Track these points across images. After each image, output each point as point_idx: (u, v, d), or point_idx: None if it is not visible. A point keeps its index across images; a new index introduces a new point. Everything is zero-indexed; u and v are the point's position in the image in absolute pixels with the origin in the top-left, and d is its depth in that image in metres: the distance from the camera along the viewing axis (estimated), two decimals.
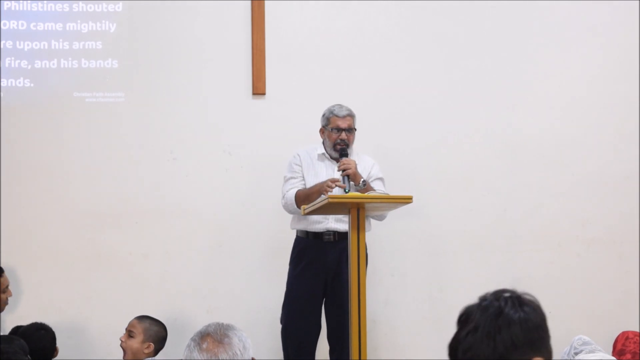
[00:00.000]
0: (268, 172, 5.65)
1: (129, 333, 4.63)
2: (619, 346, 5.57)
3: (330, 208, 4.57)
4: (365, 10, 5.91)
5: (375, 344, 5.66)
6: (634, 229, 5.93)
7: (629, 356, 5.45)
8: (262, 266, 5.70)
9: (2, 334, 4.93)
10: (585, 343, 4.76)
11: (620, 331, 5.66)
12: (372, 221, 5.13)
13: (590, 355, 4.58)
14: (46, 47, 5.68)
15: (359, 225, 4.49)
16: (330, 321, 5.14)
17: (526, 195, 5.93)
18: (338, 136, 5.04)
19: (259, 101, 5.81)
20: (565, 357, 4.84)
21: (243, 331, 2.35)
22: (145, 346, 4.59)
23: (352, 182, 4.81)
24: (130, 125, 5.74)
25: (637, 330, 5.63)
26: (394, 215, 5.29)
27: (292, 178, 5.11)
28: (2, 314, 5.14)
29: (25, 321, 4.97)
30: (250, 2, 5.79)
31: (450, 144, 5.92)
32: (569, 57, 6.03)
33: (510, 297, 1.84)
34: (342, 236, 4.99)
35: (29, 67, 5.66)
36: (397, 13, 5.94)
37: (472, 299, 1.89)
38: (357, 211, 4.50)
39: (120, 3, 5.74)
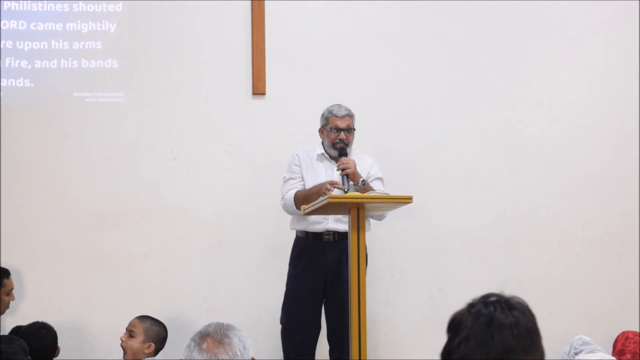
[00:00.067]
0: (268, 172, 5.65)
1: (130, 333, 4.62)
2: (619, 346, 5.57)
3: (330, 208, 4.57)
4: (365, 10, 5.91)
5: (375, 344, 5.67)
6: (634, 229, 5.93)
7: (629, 356, 5.45)
8: (262, 266, 5.70)
9: (2, 334, 4.93)
10: (585, 343, 4.77)
11: (620, 331, 5.66)
12: (372, 221, 5.13)
13: (590, 355, 4.58)
14: (46, 47, 5.68)
15: (359, 225, 4.49)
16: (330, 321, 5.14)
17: (526, 195, 5.93)
18: (337, 136, 5.05)
19: (259, 101, 5.82)
20: (565, 357, 4.84)
21: (243, 331, 2.34)
22: (146, 346, 4.59)
23: (351, 182, 4.82)
24: (130, 125, 5.74)
25: (637, 330, 5.63)
26: (394, 215, 5.29)
27: (291, 179, 5.11)
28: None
29: (25, 321, 4.97)
30: (250, 2, 5.79)
31: (450, 144, 5.92)
32: (569, 57, 6.03)
33: (498, 301, 1.84)
34: (341, 236, 4.99)
35: (29, 67, 5.66)
36: (397, 13, 5.94)
37: (472, 299, 1.89)
38: (357, 211, 4.50)
39: (120, 3, 5.74)
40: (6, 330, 5.08)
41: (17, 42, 5.66)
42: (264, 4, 5.79)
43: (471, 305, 1.85)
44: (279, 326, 5.18)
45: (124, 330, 4.68)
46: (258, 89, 5.79)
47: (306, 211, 4.61)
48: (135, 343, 4.59)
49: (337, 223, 5.01)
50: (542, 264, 5.89)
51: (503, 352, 1.77)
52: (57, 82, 5.67)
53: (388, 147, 5.82)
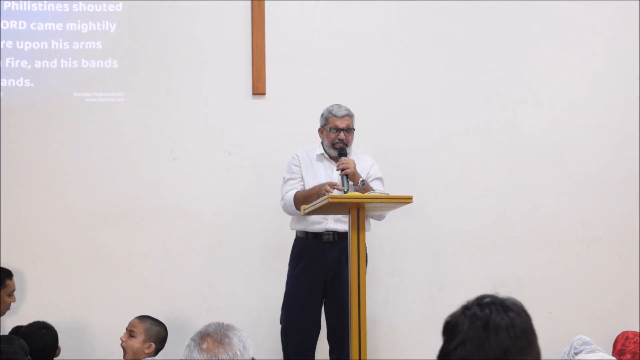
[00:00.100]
0: (268, 172, 5.65)
1: (130, 333, 4.62)
2: (619, 346, 5.57)
3: (330, 208, 4.57)
4: (365, 10, 5.91)
5: (375, 344, 5.67)
6: (634, 229, 5.93)
7: (628, 356, 5.45)
8: (262, 266, 5.70)
9: (2, 334, 4.93)
10: (585, 343, 4.77)
11: (620, 331, 5.66)
12: (372, 221, 5.13)
13: (590, 355, 4.58)
14: (46, 47, 5.68)
15: (359, 225, 4.49)
16: (330, 321, 5.14)
17: (526, 195, 5.93)
18: (336, 136, 5.05)
19: (259, 101, 5.81)
20: (565, 357, 4.84)
21: (243, 331, 2.34)
22: (146, 346, 4.59)
23: (350, 182, 4.82)
24: (130, 125, 5.74)
25: (637, 330, 5.63)
26: (394, 215, 5.29)
27: (290, 179, 5.11)
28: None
29: (25, 321, 4.97)
30: (250, 2, 5.79)
31: (450, 144, 5.92)
32: (569, 57, 6.03)
33: (494, 303, 1.84)
34: (341, 236, 4.99)
35: (29, 67, 5.66)
36: (397, 13, 5.94)
37: (467, 300, 1.89)
38: (357, 211, 4.50)
39: (120, 3, 5.74)
40: (6, 331, 5.08)
41: (17, 42, 5.66)
42: (264, 4, 5.79)
43: (466, 308, 1.85)
44: (279, 326, 5.18)
45: (124, 330, 4.68)
46: (258, 89, 5.79)
47: (306, 211, 4.61)
48: (136, 343, 4.59)
49: (337, 223, 5.01)
50: (542, 264, 5.89)
51: (500, 353, 1.77)
52: (57, 82, 5.67)
53: (388, 147, 5.82)
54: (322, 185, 4.86)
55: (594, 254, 5.94)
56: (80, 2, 5.71)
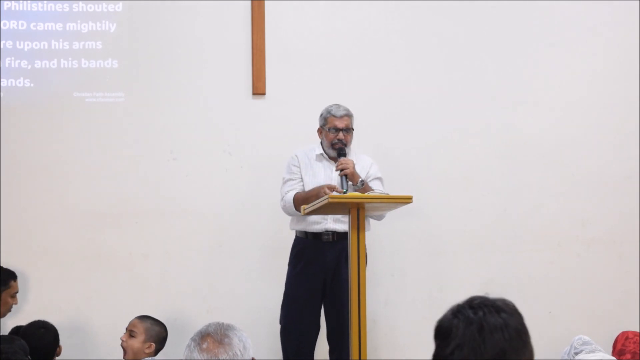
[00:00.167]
0: (268, 172, 5.65)
1: (130, 333, 4.62)
2: (618, 346, 5.57)
3: (330, 208, 4.57)
4: (365, 10, 5.91)
5: (375, 344, 5.66)
6: (634, 229, 5.93)
7: (628, 356, 5.45)
8: (262, 266, 5.70)
9: (2, 334, 4.93)
10: (585, 343, 4.77)
11: (620, 331, 5.66)
12: (372, 221, 5.13)
13: (590, 355, 4.58)
14: (46, 47, 5.68)
15: (358, 225, 4.49)
16: (330, 321, 5.14)
17: (526, 195, 5.93)
18: (335, 136, 5.05)
19: (259, 101, 5.81)
20: (565, 357, 4.84)
21: (243, 331, 2.34)
22: (147, 346, 4.59)
23: (350, 182, 4.82)
24: (130, 125, 5.74)
25: (637, 330, 5.63)
26: (394, 215, 5.29)
27: (290, 180, 5.11)
28: None
29: (25, 321, 4.97)
30: (250, 2, 5.79)
31: (450, 144, 5.92)
32: (569, 57, 6.03)
33: (485, 305, 1.84)
34: (341, 236, 4.99)
35: (29, 67, 5.66)
36: (397, 13, 5.94)
37: (456, 304, 1.89)
38: (357, 211, 4.50)
39: (120, 3, 5.74)
40: (6, 331, 5.08)
41: (17, 42, 5.66)
42: (264, 4, 5.79)
43: (457, 311, 1.85)
44: (279, 326, 5.18)
45: (124, 330, 4.68)
46: (258, 89, 5.79)
47: (306, 211, 4.61)
48: (136, 343, 4.59)
49: (336, 223, 5.01)
50: (542, 264, 5.89)
51: (496, 355, 1.77)
52: (57, 82, 5.67)
53: (388, 147, 5.82)
54: (321, 187, 4.86)
55: (594, 254, 5.94)
56: (80, 2, 5.71)
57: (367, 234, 4.67)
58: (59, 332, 4.89)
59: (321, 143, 5.16)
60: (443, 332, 1.83)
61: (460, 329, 1.80)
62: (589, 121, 6.00)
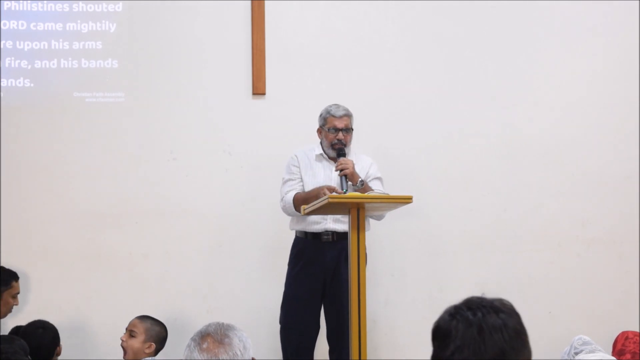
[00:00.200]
0: (268, 172, 5.65)
1: (130, 333, 4.62)
2: (618, 346, 5.57)
3: (330, 208, 4.57)
4: (365, 10, 5.91)
5: (375, 344, 5.66)
6: (634, 229, 5.93)
7: (628, 356, 5.45)
8: (262, 266, 5.70)
9: (2, 334, 4.93)
10: (585, 343, 4.77)
11: (620, 331, 5.66)
12: (372, 221, 5.13)
13: (590, 355, 4.58)
14: (46, 47, 5.68)
15: (358, 225, 4.49)
16: (329, 321, 5.14)
17: (526, 195, 5.93)
18: (335, 136, 5.05)
19: (259, 101, 5.81)
20: (565, 357, 4.84)
21: (243, 331, 2.34)
22: (147, 346, 4.59)
23: (349, 182, 4.82)
24: (130, 125, 5.74)
25: (637, 330, 5.63)
26: (394, 215, 5.29)
27: (289, 180, 5.12)
28: None
29: (25, 321, 4.97)
30: (250, 2, 5.79)
31: (450, 144, 5.92)
32: (569, 57, 6.03)
33: (484, 306, 1.84)
34: (340, 236, 4.99)
35: (29, 67, 5.66)
36: (397, 13, 5.94)
37: (453, 305, 1.89)
38: (357, 211, 4.50)
39: (120, 3, 5.74)
40: (6, 331, 5.08)
41: (17, 42, 5.66)
42: (264, 4, 5.79)
43: (455, 312, 1.84)
44: (279, 326, 5.18)
45: (124, 330, 4.68)
46: (258, 89, 5.79)
47: (306, 211, 4.61)
48: (136, 343, 4.59)
49: (336, 223, 5.01)
50: (542, 264, 5.89)
51: (496, 355, 1.77)
52: (57, 82, 5.67)
53: (388, 147, 5.82)
54: (320, 188, 4.86)
55: (594, 254, 5.94)
56: (80, 2, 5.71)
57: (367, 234, 4.68)
58: (59, 332, 4.89)
59: (321, 143, 5.16)
60: (441, 333, 1.83)
61: (460, 330, 1.80)
62: (589, 121, 6.00)
